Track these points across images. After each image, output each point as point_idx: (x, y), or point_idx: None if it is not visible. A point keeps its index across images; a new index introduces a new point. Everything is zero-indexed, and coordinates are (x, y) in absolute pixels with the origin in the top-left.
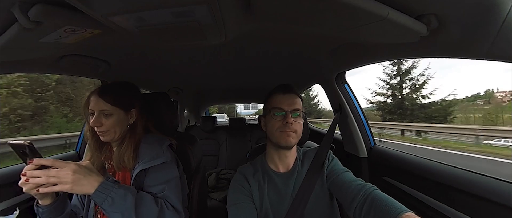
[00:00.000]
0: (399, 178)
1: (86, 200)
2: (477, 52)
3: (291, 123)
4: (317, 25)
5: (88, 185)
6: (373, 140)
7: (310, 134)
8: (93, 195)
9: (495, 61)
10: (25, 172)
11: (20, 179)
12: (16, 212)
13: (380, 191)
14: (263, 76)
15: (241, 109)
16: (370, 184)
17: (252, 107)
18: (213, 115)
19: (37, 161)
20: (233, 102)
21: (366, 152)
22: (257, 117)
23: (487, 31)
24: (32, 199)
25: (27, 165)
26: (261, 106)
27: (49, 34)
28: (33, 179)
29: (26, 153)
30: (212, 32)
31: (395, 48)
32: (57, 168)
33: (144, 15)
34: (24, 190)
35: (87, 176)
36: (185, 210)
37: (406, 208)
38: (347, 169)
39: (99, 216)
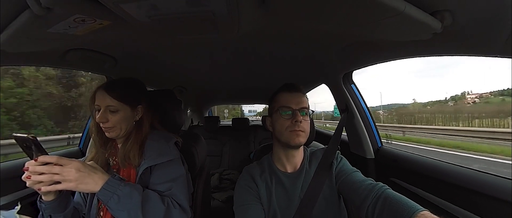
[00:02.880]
0: (407, 179)
1: (88, 197)
2: (491, 49)
3: (301, 122)
4: (331, 21)
5: (93, 183)
6: (380, 140)
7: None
8: (99, 193)
9: (508, 59)
10: (28, 167)
11: (21, 173)
12: (17, 207)
13: (392, 190)
14: (268, 77)
15: (246, 112)
16: (381, 183)
17: (252, 111)
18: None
19: (41, 159)
20: (237, 103)
21: (373, 153)
22: (258, 117)
23: (502, 28)
24: (33, 194)
25: (30, 159)
26: (260, 108)
27: (58, 23)
28: (35, 175)
29: (30, 147)
30: (225, 24)
31: (406, 46)
32: (61, 165)
33: (157, 3)
34: (27, 184)
35: (91, 174)
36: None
37: (421, 207)
38: (356, 169)
39: (101, 213)
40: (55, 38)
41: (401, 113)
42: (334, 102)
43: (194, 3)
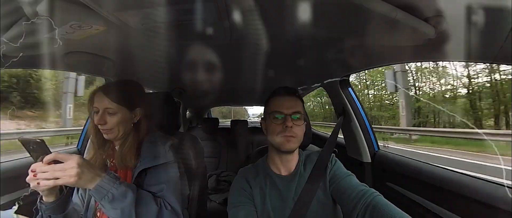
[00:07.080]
0: (403, 184)
1: (86, 198)
2: (485, 55)
3: (291, 127)
4: (324, 27)
5: (90, 179)
6: (377, 144)
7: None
8: (93, 190)
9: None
10: (35, 169)
11: (21, 173)
12: (15, 207)
13: (382, 198)
14: (266, 79)
15: (250, 115)
16: (373, 190)
17: (254, 115)
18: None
19: (46, 159)
20: (236, 105)
21: (369, 157)
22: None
23: (496, 35)
24: (32, 194)
25: (35, 161)
26: (258, 112)
27: (55, 30)
28: (41, 174)
29: (36, 149)
30: (217, 31)
31: (401, 51)
32: (62, 162)
33: (150, 12)
34: (31, 186)
35: (90, 170)
36: (184, 212)
37: (409, 217)
38: (350, 172)
39: (98, 214)
40: (53, 42)
41: None
42: None
43: (186, 12)
